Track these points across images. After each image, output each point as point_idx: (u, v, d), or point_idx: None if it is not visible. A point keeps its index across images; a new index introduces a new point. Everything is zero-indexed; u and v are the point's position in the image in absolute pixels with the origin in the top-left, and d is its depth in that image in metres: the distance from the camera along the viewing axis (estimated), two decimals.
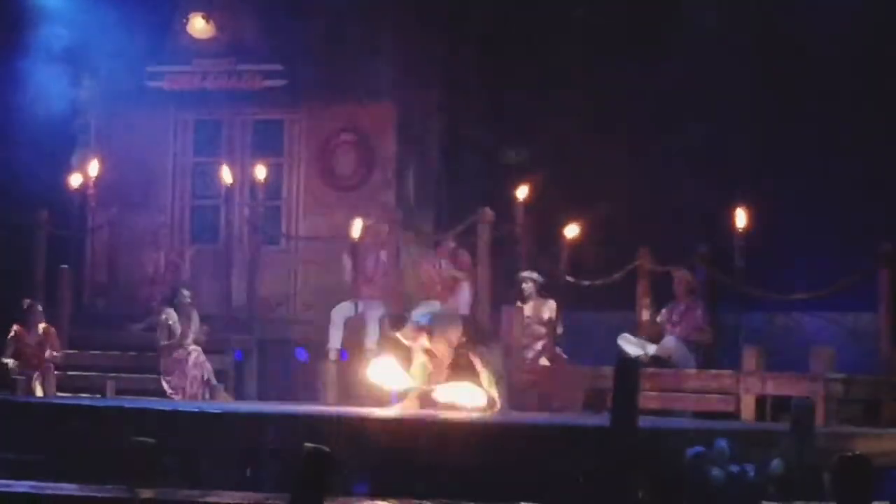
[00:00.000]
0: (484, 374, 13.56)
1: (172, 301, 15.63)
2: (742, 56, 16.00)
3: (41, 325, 15.27)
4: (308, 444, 8.27)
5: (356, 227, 15.39)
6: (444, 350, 13.46)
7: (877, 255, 13.45)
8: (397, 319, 13.69)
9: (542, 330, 15.12)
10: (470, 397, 13.41)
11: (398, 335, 13.54)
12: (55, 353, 15.20)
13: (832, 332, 14.36)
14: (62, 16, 17.18)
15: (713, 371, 14.06)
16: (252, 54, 17.34)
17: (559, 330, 15.08)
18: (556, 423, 12.07)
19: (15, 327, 15.21)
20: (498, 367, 13.63)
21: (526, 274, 15.22)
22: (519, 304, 15.07)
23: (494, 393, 13.51)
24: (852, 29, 15.09)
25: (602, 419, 11.30)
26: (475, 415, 12.98)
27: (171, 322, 15.40)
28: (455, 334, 13.51)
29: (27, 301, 15.34)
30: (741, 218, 13.80)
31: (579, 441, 10.69)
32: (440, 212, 17.07)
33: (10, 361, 15.00)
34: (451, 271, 15.58)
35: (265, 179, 16.68)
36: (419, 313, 13.79)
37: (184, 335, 15.36)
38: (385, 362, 13.78)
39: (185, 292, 15.62)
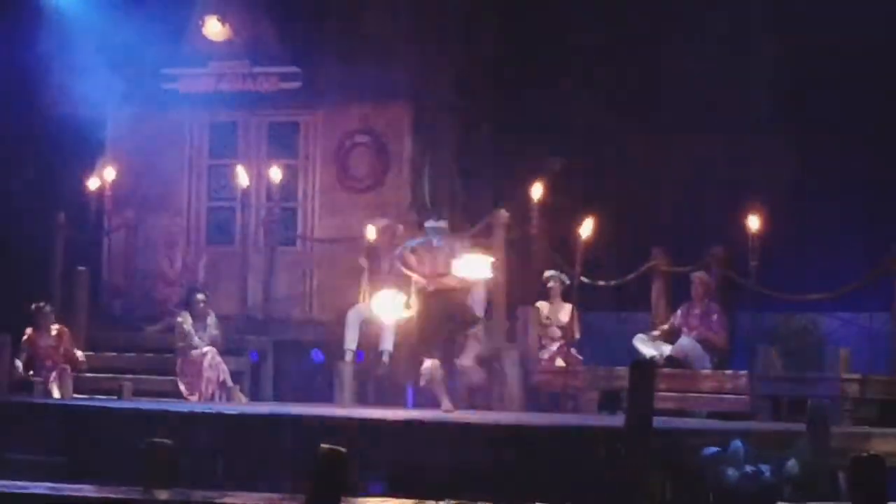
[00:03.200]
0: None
1: (188, 303, 15.70)
2: (759, 56, 16.00)
3: (54, 327, 15.33)
4: (323, 445, 8.29)
5: (371, 229, 15.42)
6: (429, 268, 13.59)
7: (892, 255, 13.42)
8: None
9: (558, 332, 15.16)
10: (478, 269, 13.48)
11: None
12: (78, 355, 15.27)
13: (847, 333, 14.36)
14: (78, 19, 17.23)
15: (728, 371, 14.07)
16: (267, 56, 17.36)
17: (577, 335, 15.10)
18: (571, 424, 12.07)
19: (27, 331, 15.26)
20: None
21: (554, 273, 15.25)
22: (540, 302, 15.09)
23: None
24: (868, 30, 15.06)
25: (617, 420, 11.30)
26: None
27: (185, 325, 15.45)
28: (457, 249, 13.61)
29: (35, 304, 15.38)
30: (756, 219, 13.78)
31: (594, 442, 10.68)
32: (455, 213, 17.07)
33: (18, 364, 15.04)
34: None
35: (280, 181, 16.74)
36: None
37: (195, 336, 15.39)
38: (389, 294, 13.83)
39: (199, 295, 15.65)
